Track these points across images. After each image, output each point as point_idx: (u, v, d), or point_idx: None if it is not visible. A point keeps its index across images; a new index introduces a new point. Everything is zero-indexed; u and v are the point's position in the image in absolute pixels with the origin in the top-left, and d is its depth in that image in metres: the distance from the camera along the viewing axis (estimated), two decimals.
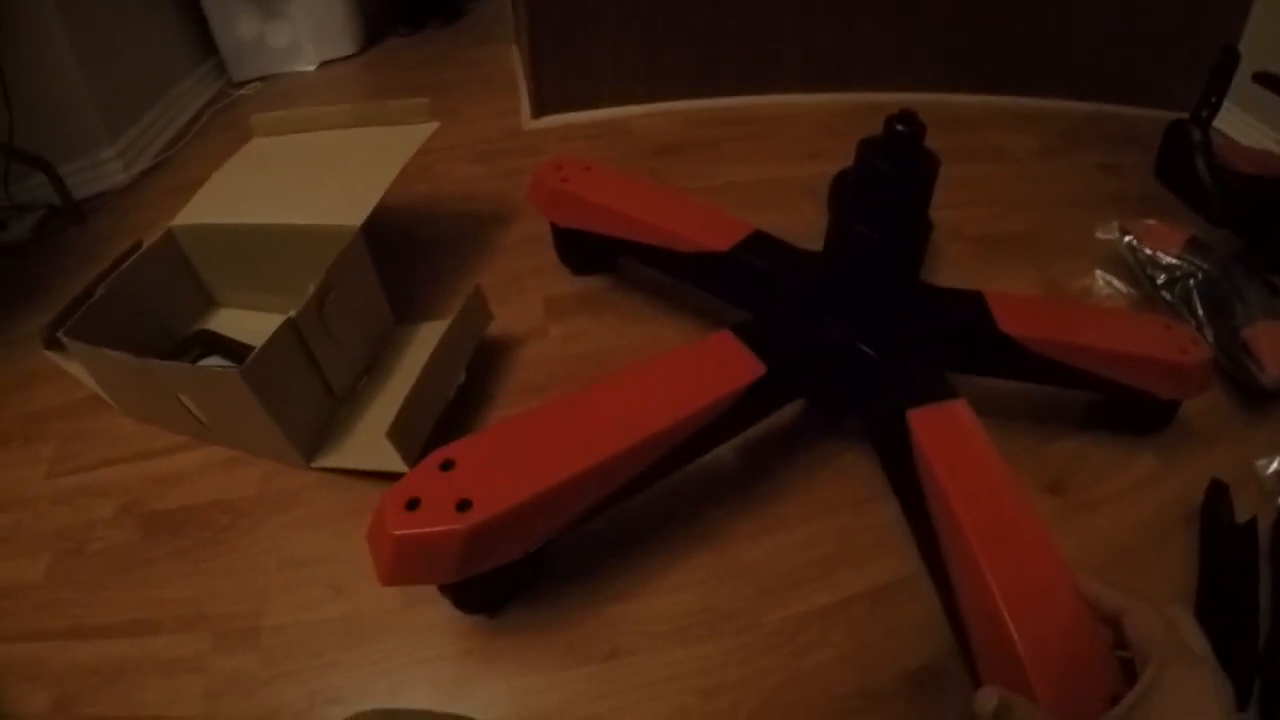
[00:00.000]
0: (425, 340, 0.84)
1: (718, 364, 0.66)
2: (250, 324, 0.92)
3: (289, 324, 0.68)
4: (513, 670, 0.63)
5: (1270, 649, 0.65)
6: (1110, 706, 0.41)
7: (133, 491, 0.80)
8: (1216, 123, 1.63)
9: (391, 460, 0.66)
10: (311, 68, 1.74)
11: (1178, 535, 0.76)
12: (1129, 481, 0.81)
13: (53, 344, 0.84)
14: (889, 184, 0.63)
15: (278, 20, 1.68)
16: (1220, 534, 0.74)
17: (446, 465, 0.57)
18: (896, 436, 0.66)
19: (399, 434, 0.66)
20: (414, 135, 0.90)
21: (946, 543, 0.58)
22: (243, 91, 1.63)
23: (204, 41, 1.65)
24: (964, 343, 0.77)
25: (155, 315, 0.89)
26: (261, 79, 1.68)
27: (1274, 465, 0.84)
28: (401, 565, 0.54)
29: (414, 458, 0.69)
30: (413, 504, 0.54)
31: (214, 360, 0.87)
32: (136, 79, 1.46)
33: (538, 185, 0.92)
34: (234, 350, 0.88)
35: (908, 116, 0.62)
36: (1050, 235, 1.21)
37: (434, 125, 0.91)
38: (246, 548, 0.73)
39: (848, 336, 0.70)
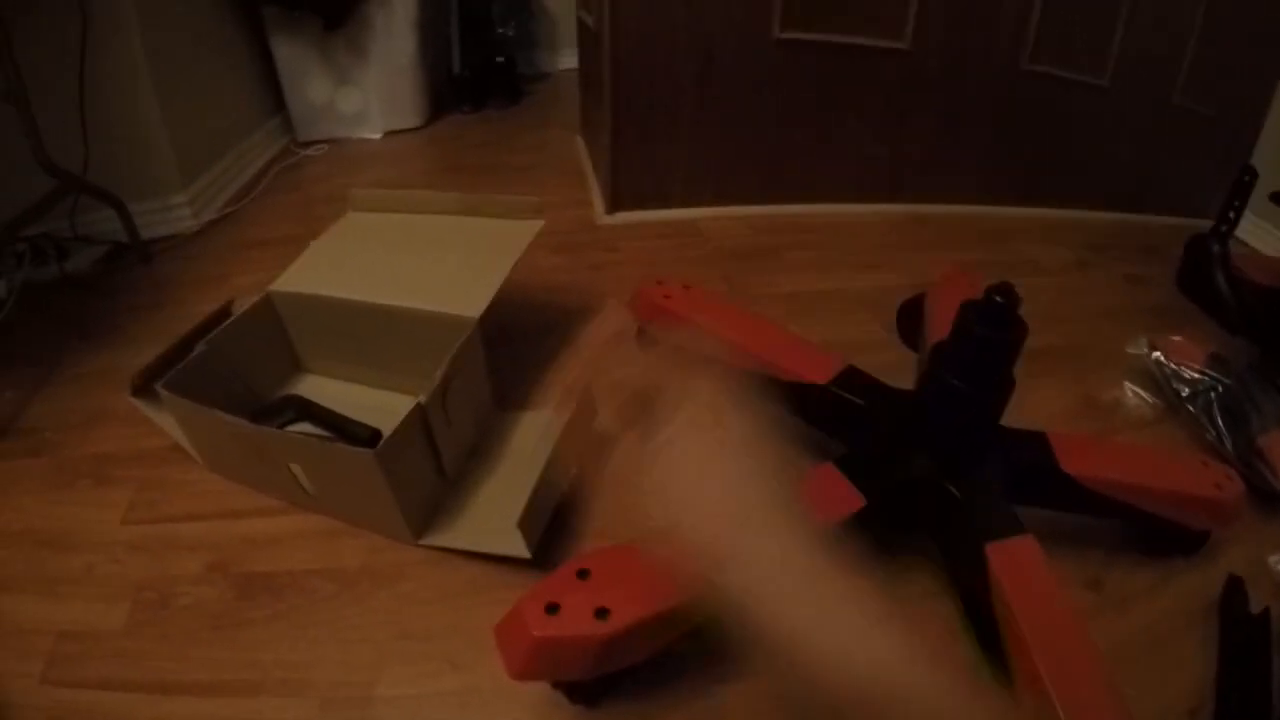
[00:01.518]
0: (527, 429, 0.88)
1: (825, 495, 0.71)
2: (335, 392, 0.95)
3: (419, 409, 0.71)
4: None
5: None
6: None
7: (222, 549, 0.81)
8: (1241, 233, 1.74)
9: (516, 546, 0.69)
10: (377, 136, 1.78)
11: (1199, 626, 0.81)
12: (1157, 577, 0.87)
13: (141, 391, 0.86)
14: (984, 347, 0.70)
15: (348, 87, 1.73)
16: (1237, 625, 0.80)
17: (583, 574, 0.61)
18: (974, 568, 0.71)
19: (526, 524, 0.70)
20: (524, 231, 0.94)
21: (1016, 660, 0.64)
22: (307, 152, 1.67)
23: (274, 100, 1.69)
24: (1031, 481, 0.84)
25: (245, 374, 0.91)
26: (326, 141, 1.72)
27: None
28: (537, 663, 0.57)
29: (535, 546, 0.73)
30: (552, 608, 0.57)
31: (304, 426, 0.88)
32: (211, 129, 1.50)
33: (641, 300, 0.97)
34: (325, 418, 0.90)
35: (1006, 289, 0.69)
36: (1084, 349, 1.29)
37: (541, 223, 0.96)
38: (353, 618, 0.74)
39: (935, 474, 0.76)
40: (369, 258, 0.94)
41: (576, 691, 0.67)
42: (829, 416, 0.85)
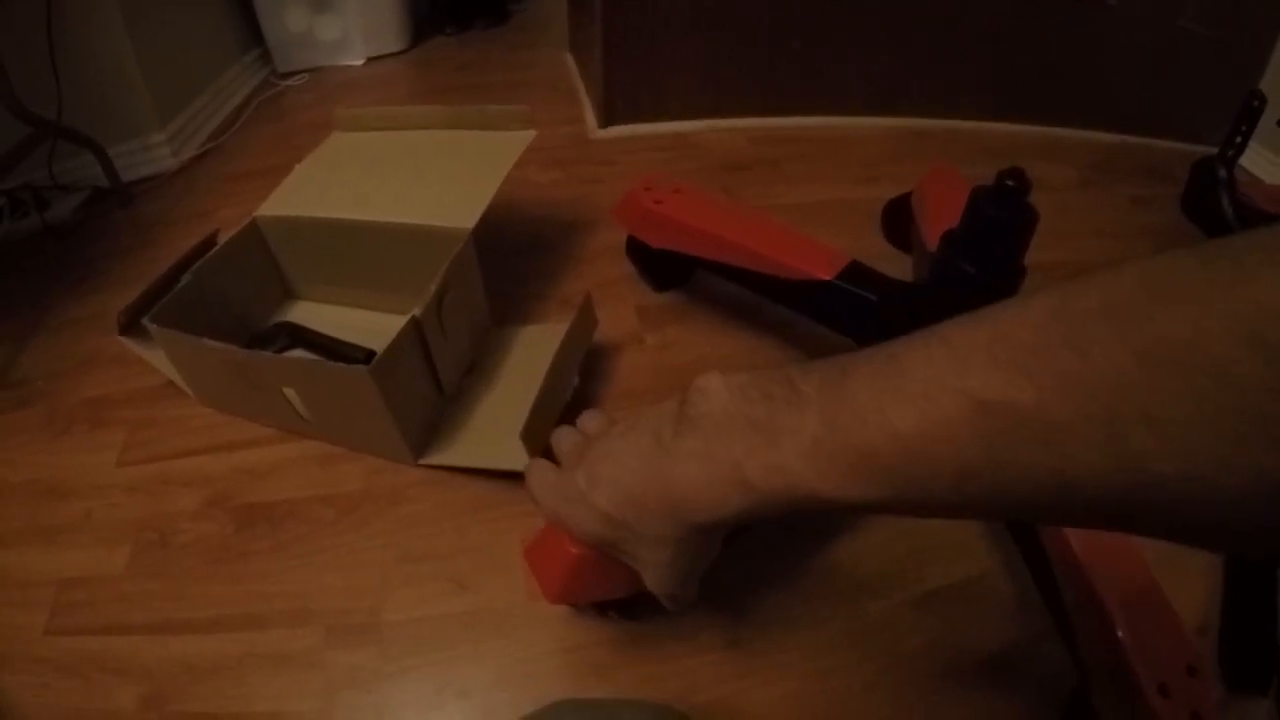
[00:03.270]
0: (526, 343, 0.84)
1: None
2: (328, 317, 0.92)
3: (414, 323, 0.68)
4: (642, 657, 0.63)
5: None
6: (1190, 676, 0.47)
7: (219, 483, 0.79)
8: (1244, 162, 1.71)
9: (519, 460, 0.66)
10: (359, 62, 1.73)
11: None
12: None
13: (129, 329, 0.83)
14: (996, 230, 0.68)
15: (327, 14, 1.67)
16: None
17: None
18: None
19: (529, 435, 0.66)
20: (514, 142, 0.89)
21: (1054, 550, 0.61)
22: (289, 83, 1.62)
23: (252, 31, 1.64)
24: None
25: (235, 304, 0.88)
26: (307, 71, 1.67)
27: None
28: (578, 583, 0.53)
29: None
30: None
31: (298, 352, 0.86)
32: (187, 65, 1.45)
33: (629, 206, 0.92)
34: (318, 343, 0.87)
35: (1017, 173, 0.67)
36: (1088, 265, 1.24)
37: (532, 133, 0.91)
38: (355, 544, 0.72)
39: None
40: (356, 177, 0.90)
41: (613, 607, 0.64)
42: (837, 312, 0.81)
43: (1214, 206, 1.48)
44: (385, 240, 0.82)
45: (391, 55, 1.77)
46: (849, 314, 0.80)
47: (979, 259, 0.70)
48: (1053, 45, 1.70)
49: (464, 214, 0.78)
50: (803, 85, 1.50)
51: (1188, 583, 0.75)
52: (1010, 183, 0.67)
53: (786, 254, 0.81)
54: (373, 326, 0.80)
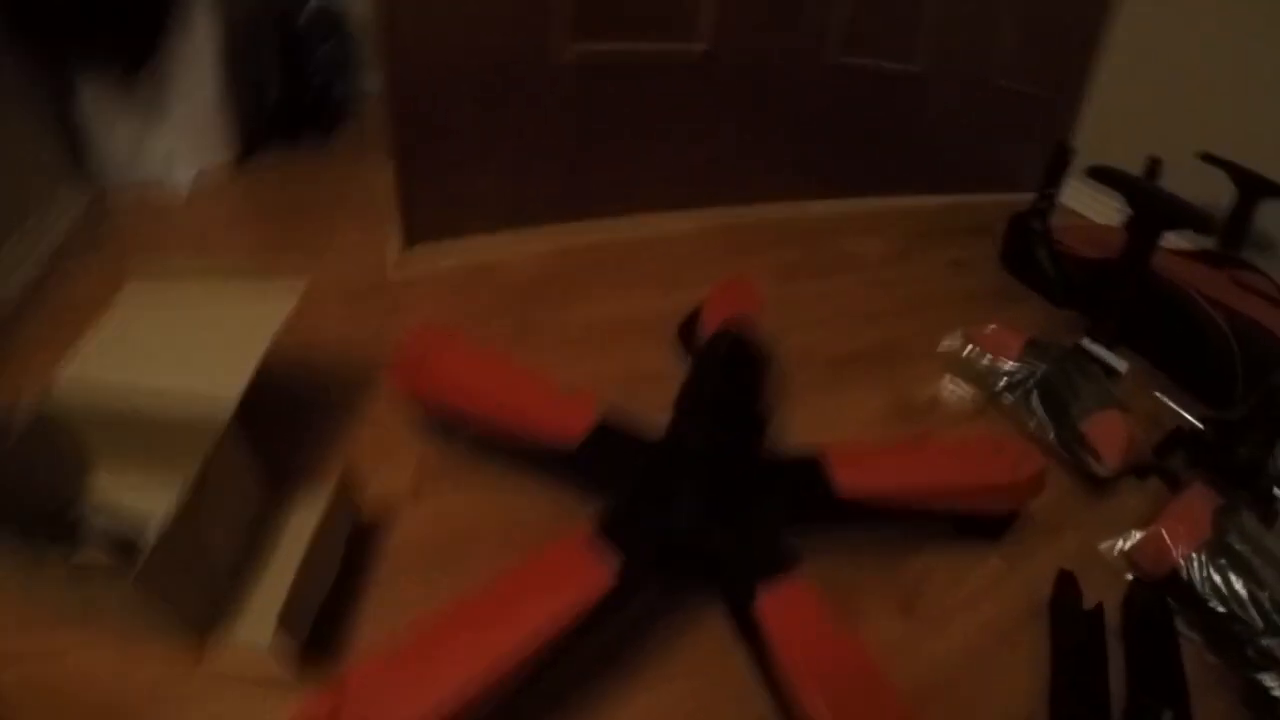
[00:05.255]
0: (300, 520, 0.81)
1: (577, 566, 0.67)
2: (132, 484, 0.88)
3: (174, 520, 0.66)
4: None
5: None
6: None
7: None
8: (1069, 202, 1.79)
9: (279, 666, 0.66)
10: (188, 178, 1.69)
11: (1028, 631, 0.81)
12: (976, 588, 0.87)
13: None
14: (723, 392, 0.68)
15: (155, 129, 1.62)
16: (1069, 623, 0.81)
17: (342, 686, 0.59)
18: (748, 615, 0.69)
19: (288, 622, 0.67)
20: (280, 306, 0.89)
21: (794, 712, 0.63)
22: (118, 202, 1.57)
23: (80, 148, 1.57)
24: (810, 507, 0.81)
25: (30, 480, 0.82)
26: (137, 187, 1.62)
27: (1118, 545, 0.91)
28: None
29: (297, 656, 0.70)
30: None
31: (101, 523, 0.82)
32: (6, 191, 1.35)
33: (401, 363, 0.92)
34: (115, 535, 0.81)
35: (735, 330, 0.66)
36: (900, 346, 1.28)
37: (300, 288, 0.91)
38: None
39: (698, 522, 0.73)
40: (138, 340, 0.89)
41: None
42: (584, 477, 0.82)
43: (1031, 259, 1.56)
44: (165, 413, 0.80)
45: (220, 170, 1.73)
46: (595, 478, 0.81)
47: (709, 419, 0.71)
48: (865, 118, 1.74)
49: (229, 386, 0.78)
50: (607, 191, 1.50)
51: (1011, 671, 0.77)
52: (728, 344, 0.68)
53: (536, 418, 0.81)
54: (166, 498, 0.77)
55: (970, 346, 1.22)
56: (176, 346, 0.86)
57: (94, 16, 1.44)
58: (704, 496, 0.74)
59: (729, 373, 0.69)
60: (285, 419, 0.98)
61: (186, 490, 0.68)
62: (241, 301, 0.91)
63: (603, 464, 0.78)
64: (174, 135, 1.65)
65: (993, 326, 1.24)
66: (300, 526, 0.79)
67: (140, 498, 0.85)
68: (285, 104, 1.90)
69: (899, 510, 0.83)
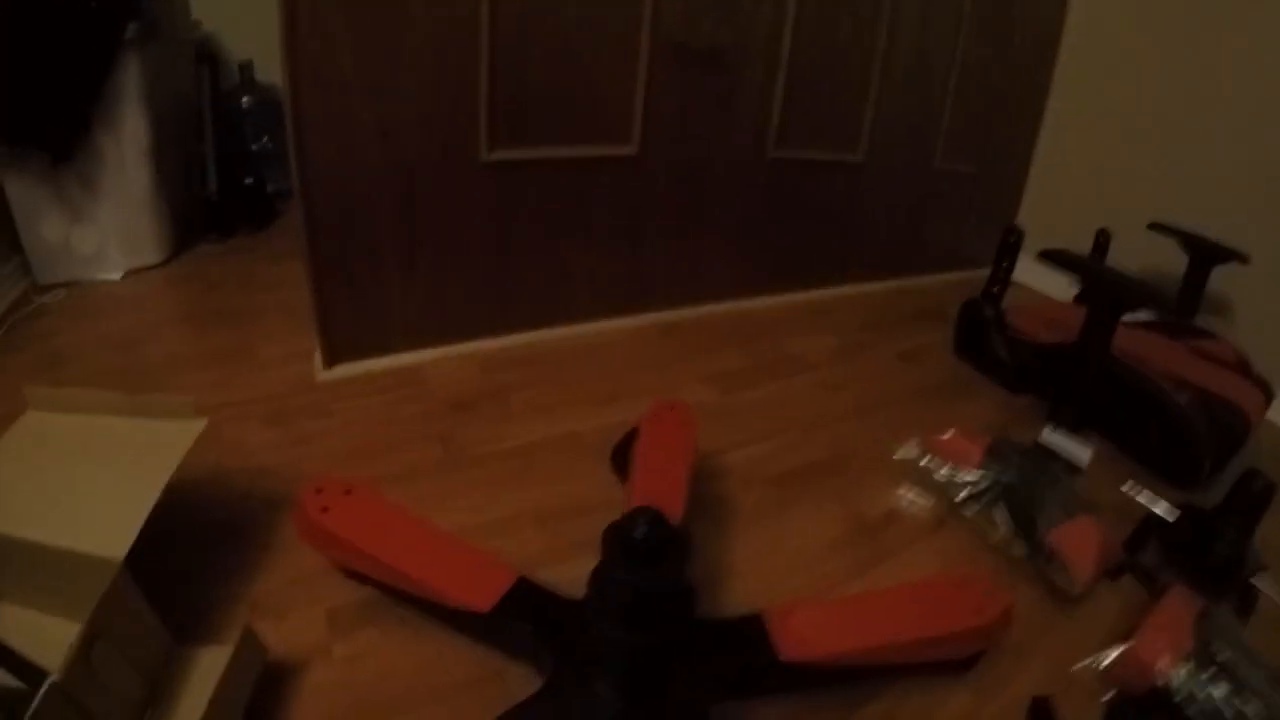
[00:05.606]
0: (205, 672, 0.73)
1: None
2: (33, 622, 0.79)
3: (53, 690, 0.58)
4: None
5: None
6: None
7: None
8: (1023, 279, 1.76)
9: None
10: (117, 276, 1.65)
11: None
12: None
13: None
14: (635, 590, 0.62)
15: (84, 224, 1.58)
16: None
17: None
18: None
19: None
20: (181, 439, 0.83)
21: None
22: (44, 299, 1.51)
23: (10, 240, 1.53)
24: (751, 676, 0.74)
25: None
26: (64, 286, 1.58)
27: (1095, 663, 0.85)
28: None
29: None
30: None
31: None
32: None
33: (298, 514, 0.83)
34: (16, 666, 0.72)
35: (648, 521, 0.61)
36: (851, 457, 1.22)
37: (201, 424, 0.85)
38: None
39: (619, 703, 0.65)
40: (30, 476, 0.83)
41: None
42: (500, 640, 0.75)
43: (986, 347, 1.52)
44: (53, 559, 0.74)
45: (150, 268, 1.69)
46: (512, 644, 0.73)
47: (623, 612, 0.63)
48: (804, 211, 1.72)
49: (117, 538, 0.71)
50: (535, 300, 1.45)
51: None
52: (640, 537, 0.61)
53: (445, 581, 0.74)
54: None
55: (927, 456, 1.16)
56: (65, 496, 0.80)
57: (17, 104, 1.41)
58: (622, 687, 0.66)
59: (644, 561, 0.61)
60: (193, 551, 0.91)
61: (73, 650, 0.61)
62: (137, 444, 0.86)
63: (517, 632, 0.70)
64: (103, 233, 1.63)
65: (951, 432, 1.18)
66: (206, 679, 0.71)
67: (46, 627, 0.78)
68: (221, 198, 1.88)
69: (852, 669, 0.76)
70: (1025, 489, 1.06)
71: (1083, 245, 1.47)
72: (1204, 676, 0.78)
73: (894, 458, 1.18)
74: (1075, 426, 1.24)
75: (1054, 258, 1.27)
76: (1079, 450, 1.19)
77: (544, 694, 0.67)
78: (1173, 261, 1.51)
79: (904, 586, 0.94)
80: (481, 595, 0.71)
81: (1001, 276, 1.49)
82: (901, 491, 1.14)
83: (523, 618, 0.70)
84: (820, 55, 1.54)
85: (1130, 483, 1.18)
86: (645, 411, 1.04)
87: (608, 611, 0.60)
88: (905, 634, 0.76)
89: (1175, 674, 0.78)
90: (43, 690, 0.57)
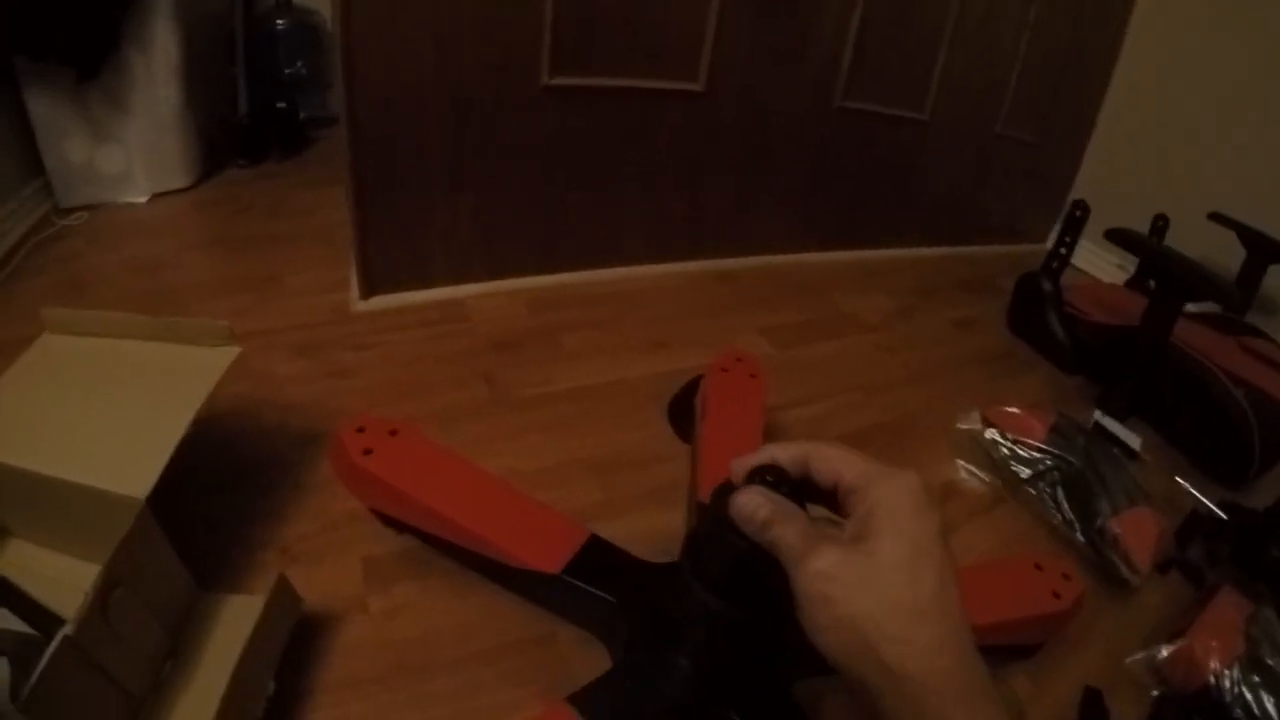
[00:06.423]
0: (231, 622, 0.69)
1: None
2: (47, 562, 0.76)
3: (66, 644, 0.53)
4: None
5: None
6: None
7: None
8: (1079, 262, 1.67)
9: None
10: (143, 199, 1.58)
11: None
12: None
13: None
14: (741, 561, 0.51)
15: (109, 144, 1.51)
16: None
17: None
18: None
19: None
20: (212, 367, 0.77)
21: None
22: (66, 221, 1.45)
23: (33, 161, 1.47)
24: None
25: None
26: (88, 208, 1.51)
27: (1147, 658, 0.83)
28: None
29: None
30: None
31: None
32: None
33: (337, 455, 0.75)
34: (29, 611, 0.66)
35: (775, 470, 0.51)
36: (909, 422, 1.17)
37: (235, 351, 0.78)
38: None
39: (700, 691, 0.57)
40: (46, 404, 0.77)
41: None
42: (566, 606, 0.69)
43: (1041, 323, 1.46)
44: (69, 495, 0.68)
45: (177, 191, 1.62)
46: (580, 610, 0.67)
47: (723, 587, 0.53)
48: (866, 167, 1.66)
49: (139, 476, 0.65)
50: (587, 237, 1.37)
51: None
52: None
53: (506, 537, 0.66)
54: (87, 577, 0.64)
55: (989, 430, 1.10)
56: (83, 427, 0.74)
57: (43, 17, 1.35)
58: (715, 660, 0.58)
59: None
60: (220, 491, 0.86)
61: (89, 599, 0.56)
62: (163, 370, 0.80)
63: (586, 596, 0.63)
64: (129, 154, 1.57)
65: (1014, 409, 1.12)
66: (233, 629, 0.67)
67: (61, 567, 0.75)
68: (252, 122, 1.80)
69: None
70: (1087, 473, 1.01)
71: (1137, 228, 1.38)
72: (1253, 679, 0.77)
73: (957, 427, 1.13)
74: (1124, 412, 1.20)
75: (1120, 238, 1.22)
76: (1130, 436, 1.15)
77: (619, 669, 0.61)
78: (1228, 254, 1.43)
79: (983, 565, 0.89)
80: (549, 555, 0.64)
81: (1063, 252, 1.42)
82: (961, 462, 1.09)
83: (596, 582, 0.63)
84: (894, 5, 1.46)
85: (1177, 475, 1.14)
86: (710, 361, 0.97)
87: (711, 580, 0.52)
88: (991, 615, 0.71)
89: (1224, 674, 0.78)
90: (55, 643, 0.52)
